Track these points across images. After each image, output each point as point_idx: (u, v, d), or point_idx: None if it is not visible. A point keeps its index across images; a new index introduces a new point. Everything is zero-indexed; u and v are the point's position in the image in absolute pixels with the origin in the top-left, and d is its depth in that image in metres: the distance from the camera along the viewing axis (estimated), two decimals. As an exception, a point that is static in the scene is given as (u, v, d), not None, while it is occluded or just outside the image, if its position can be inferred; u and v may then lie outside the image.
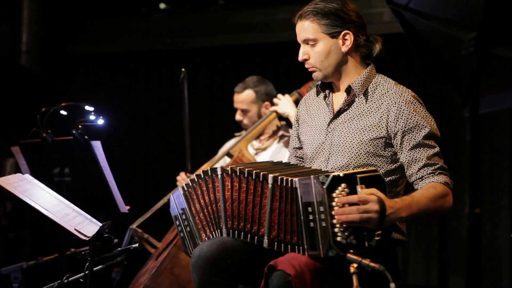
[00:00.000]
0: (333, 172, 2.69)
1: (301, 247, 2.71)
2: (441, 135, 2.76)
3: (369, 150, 2.93)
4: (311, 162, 3.08)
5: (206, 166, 4.54)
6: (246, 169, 2.85)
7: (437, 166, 2.88)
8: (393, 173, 2.97)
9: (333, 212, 2.61)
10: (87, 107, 3.98)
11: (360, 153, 2.94)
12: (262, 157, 4.61)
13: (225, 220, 2.87)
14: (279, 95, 4.54)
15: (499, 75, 1.96)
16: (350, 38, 2.98)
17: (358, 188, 2.63)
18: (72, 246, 3.89)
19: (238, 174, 2.85)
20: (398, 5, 2.05)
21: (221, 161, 4.58)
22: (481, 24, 1.85)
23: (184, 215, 3.01)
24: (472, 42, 1.85)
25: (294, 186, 2.70)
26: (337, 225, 2.61)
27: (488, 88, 1.98)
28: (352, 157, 2.95)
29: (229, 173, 2.85)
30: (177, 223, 3.04)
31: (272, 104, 4.67)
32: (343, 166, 2.95)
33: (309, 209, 2.64)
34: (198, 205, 2.97)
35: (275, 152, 4.62)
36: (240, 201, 2.83)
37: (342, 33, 2.98)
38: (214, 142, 5.26)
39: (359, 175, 2.64)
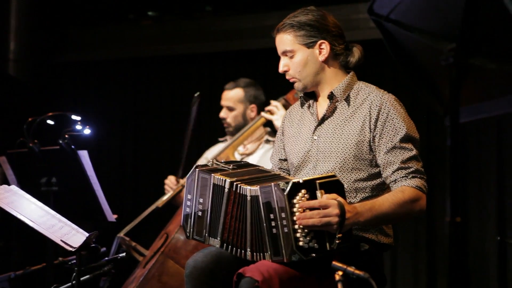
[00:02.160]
0: (293, 178, 2.75)
1: (266, 254, 2.75)
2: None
3: (356, 154, 2.98)
4: (297, 171, 3.12)
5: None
6: (231, 181, 2.86)
7: (412, 169, 2.92)
8: (378, 176, 3.01)
9: (294, 218, 2.67)
10: (73, 117, 3.98)
11: (347, 158, 2.99)
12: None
13: (222, 232, 2.88)
14: (274, 102, 4.52)
15: (479, 85, 1.97)
16: (326, 47, 3.06)
17: (318, 193, 2.70)
18: (59, 255, 3.89)
19: (238, 190, 2.84)
20: (380, 16, 2.07)
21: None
22: (460, 35, 1.87)
23: (201, 200, 2.93)
24: (452, 53, 1.87)
25: (255, 194, 2.75)
26: (299, 230, 2.67)
27: (469, 98, 2.00)
28: (339, 162, 2.99)
29: (233, 189, 2.84)
30: (189, 197, 2.96)
31: (259, 108, 4.68)
32: (330, 171, 2.99)
33: (271, 215, 2.71)
34: (208, 202, 2.93)
35: (263, 156, 4.64)
36: (236, 218, 2.84)
37: (318, 42, 3.06)
38: (202, 147, 5.27)
39: (318, 181, 2.71)
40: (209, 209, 2.90)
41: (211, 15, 6.45)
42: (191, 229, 2.96)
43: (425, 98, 2.16)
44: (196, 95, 4.58)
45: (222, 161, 3.10)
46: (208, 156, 4.80)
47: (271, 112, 4.48)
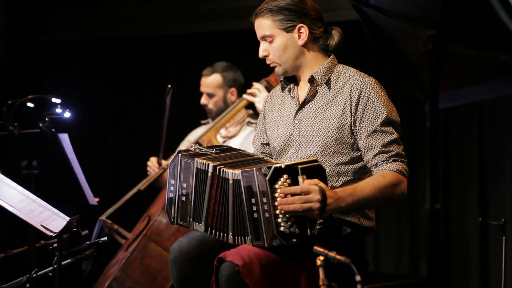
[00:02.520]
0: (275, 163, 2.75)
1: (247, 238, 2.76)
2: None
3: (337, 138, 2.99)
4: (279, 155, 3.12)
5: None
6: (214, 165, 2.85)
7: (392, 153, 2.93)
8: (360, 160, 3.02)
9: (276, 203, 2.68)
10: (54, 99, 3.95)
11: (328, 142, 2.99)
12: (231, 145, 4.61)
13: (206, 217, 2.88)
14: (256, 85, 4.51)
15: (458, 71, 1.97)
16: (305, 31, 3.05)
17: (300, 178, 2.70)
18: (41, 238, 3.87)
19: (220, 174, 2.83)
20: (359, 1, 2.06)
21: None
22: (439, 22, 1.86)
23: (185, 185, 2.93)
24: (431, 39, 1.87)
25: (237, 178, 2.75)
26: (280, 215, 2.68)
27: (449, 84, 2.00)
28: (321, 146, 3.00)
29: (217, 173, 2.84)
30: (172, 183, 2.97)
31: (239, 91, 4.67)
32: (312, 155, 3.00)
33: (253, 200, 2.71)
34: (191, 187, 2.92)
35: (245, 138, 4.63)
36: (219, 201, 2.84)
37: (297, 26, 3.05)
38: (185, 129, 5.25)
39: (300, 166, 2.71)
40: (192, 193, 2.90)
41: (192, -5, 6.39)
42: (175, 215, 2.96)
43: (405, 83, 2.16)
44: (168, 86, 4.55)
45: (205, 145, 3.10)
46: (190, 139, 4.80)
47: (253, 95, 4.47)
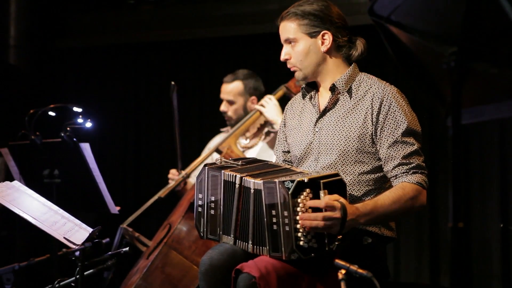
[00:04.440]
0: (299, 173, 2.77)
1: (265, 248, 2.77)
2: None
3: (358, 147, 2.98)
4: (300, 163, 3.12)
5: (196, 164, 4.55)
6: (241, 176, 2.86)
7: (412, 165, 2.92)
8: (381, 169, 3.00)
9: (297, 217, 2.68)
10: (75, 109, 3.97)
11: (349, 150, 2.98)
12: (250, 155, 4.61)
13: (235, 229, 2.89)
14: (267, 97, 4.50)
15: (480, 88, 1.96)
16: (329, 38, 3.06)
17: (321, 193, 2.70)
18: (63, 247, 3.89)
19: (243, 183, 2.85)
20: (380, 17, 2.04)
21: (210, 158, 4.58)
22: (462, 39, 1.85)
23: (213, 198, 2.94)
24: (453, 57, 1.85)
25: (259, 188, 2.76)
26: (300, 230, 2.68)
27: (471, 100, 1.98)
28: (341, 154, 2.99)
29: (243, 184, 2.85)
30: (200, 197, 2.97)
31: (259, 99, 4.66)
32: (331, 164, 2.99)
33: (273, 212, 2.71)
34: (220, 200, 2.93)
35: (262, 149, 4.63)
36: (243, 210, 2.85)
37: (321, 33, 3.06)
38: (204, 136, 5.25)
39: (322, 181, 2.71)
40: (221, 206, 2.91)
41: (211, -1, 6.40)
42: (205, 229, 2.97)
43: (427, 98, 2.15)
44: (172, 83, 4.53)
45: (230, 158, 3.10)
46: (210, 147, 4.80)
47: (262, 105, 4.47)
